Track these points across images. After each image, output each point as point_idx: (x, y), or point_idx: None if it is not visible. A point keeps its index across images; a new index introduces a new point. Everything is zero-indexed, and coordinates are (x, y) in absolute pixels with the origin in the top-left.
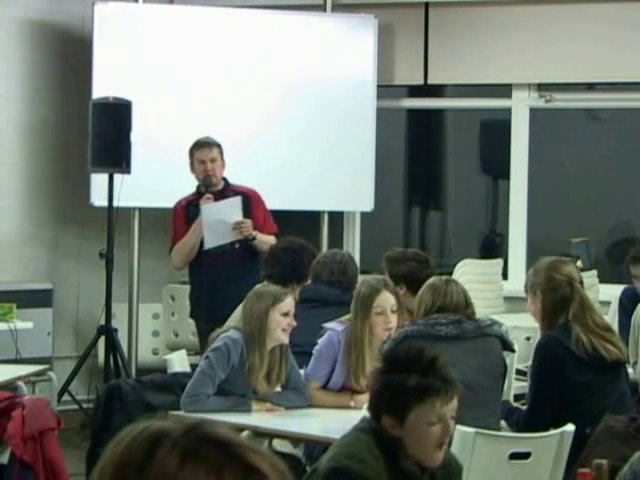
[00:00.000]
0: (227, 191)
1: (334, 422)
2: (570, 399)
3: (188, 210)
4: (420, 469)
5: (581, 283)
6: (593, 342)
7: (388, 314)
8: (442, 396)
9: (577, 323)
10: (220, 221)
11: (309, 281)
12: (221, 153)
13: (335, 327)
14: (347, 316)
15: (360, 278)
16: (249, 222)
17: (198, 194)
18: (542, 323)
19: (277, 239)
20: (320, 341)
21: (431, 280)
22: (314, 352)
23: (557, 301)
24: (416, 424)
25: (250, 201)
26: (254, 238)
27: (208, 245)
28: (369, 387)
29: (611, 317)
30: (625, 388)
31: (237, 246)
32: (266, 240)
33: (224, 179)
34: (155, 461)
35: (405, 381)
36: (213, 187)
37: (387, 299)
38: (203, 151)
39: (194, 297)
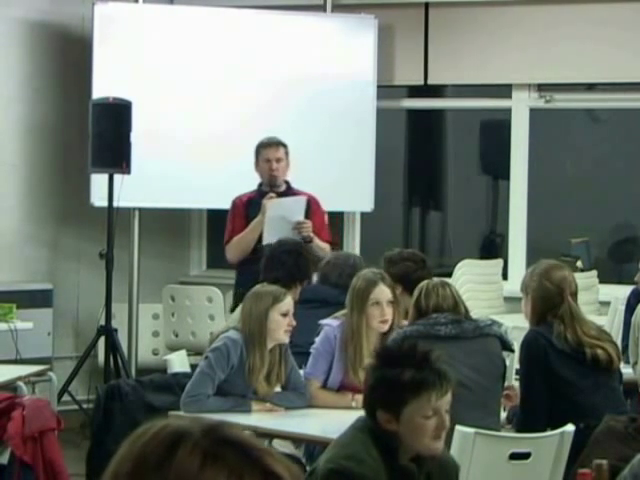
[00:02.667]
0: (289, 193)
1: (334, 422)
2: (558, 393)
3: (248, 206)
4: (417, 465)
5: (575, 294)
6: (578, 339)
7: (384, 306)
8: (437, 390)
9: (564, 325)
10: (282, 218)
11: (315, 280)
12: (287, 153)
13: (330, 323)
14: (342, 312)
15: None
16: (310, 223)
17: (259, 192)
18: (530, 324)
19: (332, 249)
20: (317, 339)
21: (421, 284)
22: (312, 351)
23: (546, 307)
24: (412, 418)
25: (309, 206)
26: (311, 241)
27: (267, 241)
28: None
29: (611, 317)
30: (615, 385)
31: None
32: (322, 246)
33: (286, 182)
34: (176, 461)
35: (400, 376)
36: (276, 187)
37: (383, 292)
38: (270, 150)
39: (239, 294)
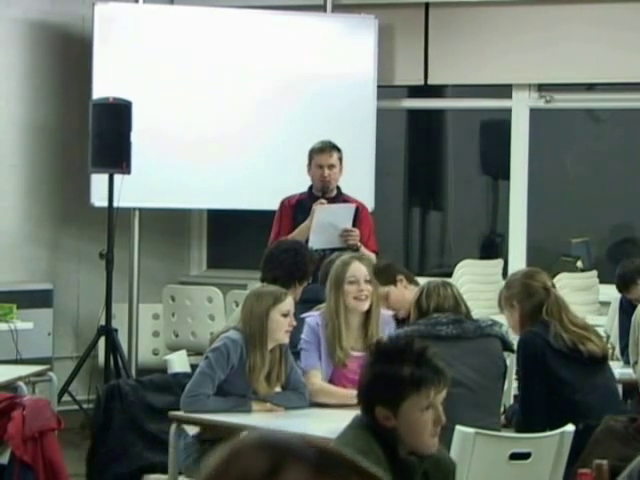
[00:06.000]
0: (339, 199)
1: (334, 422)
2: (556, 393)
3: (297, 208)
4: (417, 459)
5: (554, 288)
6: (572, 338)
7: (361, 283)
8: (436, 386)
9: (553, 320)
10: (330, 224)
11: (318, 279)
12: (340, 159)
13: (311, 313)
14: (323, 304)
15: None
16: (357, 231)
17: (310, 195)
18: (521, 330)
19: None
20: (302, 333)
21: (423, 284)
22: (301, 346)
23: (535, 306)
24: (410, 413)
25: (358, 214)
26: (358, 249)
27: (312, 245)
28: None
29: (611, 317)
30: (611, 384)
31: (331, 254)
32: (367, 255)
33: (337, 187)
34: (285, 477)
35: (400, 371)
36: (328, 193)
37: (359, 269)
38: (322, 156)
39: None
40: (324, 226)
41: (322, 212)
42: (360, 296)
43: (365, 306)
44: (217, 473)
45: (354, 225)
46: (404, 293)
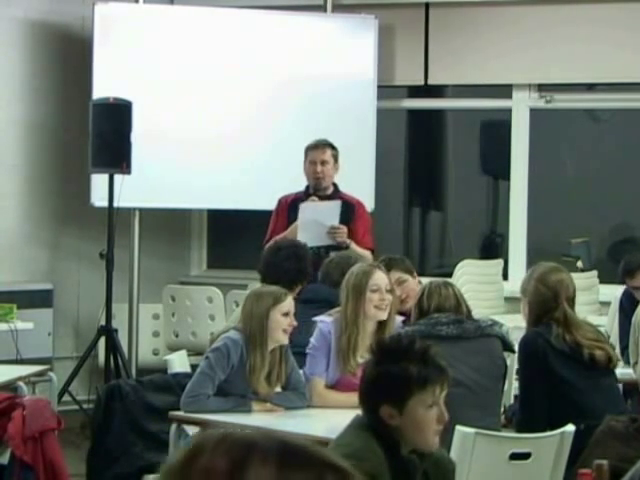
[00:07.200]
0: (335, 197)
1: (334, 422)
2: (558, 393)
3: (292, 207)
4: (418, 458)
5: (572, 298)
6: (575, 340)
7: (383, 292)
8: (440, 384)
9: (562, 327)
10: (316, 222)
11: (318, 278)
12: (335, 156)
13: (324, 319)
14: (336, 309)
15: None
16: (344, 229)
17: (306, 193)
18: (527, 326)
19: (373, 257)
20: (312, 338)
21: (424, 284)
22: (308, 350)
23: (541, 312)
24: (415, 411)
25: (354, 211)
26: (347, 247)
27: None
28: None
29: (611, 317)
30: (613, 384)
31: (326, 252)
32: (361, 253)
33: (334, 184)
34: (250, 472)
35: (406, 370)
36: (322, 190)
37: (382, 277)
38: (315, 152)
39: None
40: (309, 223)
41: (305, 210)
42: (381, 305)
43: (384, 315)
44: (180, 471)
45: (349, 222)
46: (416, 288)
